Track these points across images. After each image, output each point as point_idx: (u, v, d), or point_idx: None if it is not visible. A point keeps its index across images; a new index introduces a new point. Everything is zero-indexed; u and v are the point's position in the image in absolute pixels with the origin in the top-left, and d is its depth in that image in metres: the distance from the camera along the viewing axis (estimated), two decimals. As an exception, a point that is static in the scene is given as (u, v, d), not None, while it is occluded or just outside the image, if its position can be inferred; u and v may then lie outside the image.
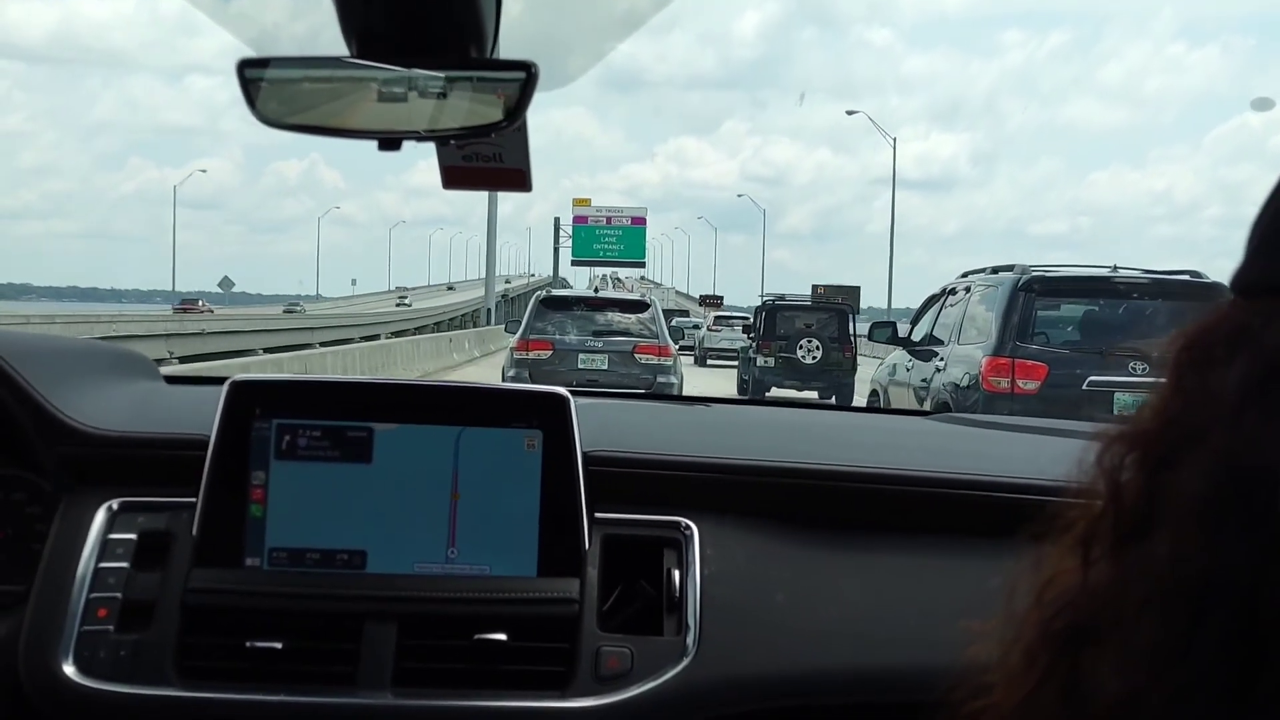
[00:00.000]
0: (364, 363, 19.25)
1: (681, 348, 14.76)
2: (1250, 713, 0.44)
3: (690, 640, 1.28)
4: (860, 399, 13.70)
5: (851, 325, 17.44)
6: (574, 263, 50.54)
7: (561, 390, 1.37)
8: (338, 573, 1.30)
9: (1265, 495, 0.45)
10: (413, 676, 1.25)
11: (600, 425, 1.44)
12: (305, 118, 1.08)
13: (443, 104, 1.05)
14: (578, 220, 47.53)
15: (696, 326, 33.72)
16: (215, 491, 1.31)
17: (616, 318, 12.90)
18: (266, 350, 26.53)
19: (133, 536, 1.32)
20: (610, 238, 46.98)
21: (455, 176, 1.28)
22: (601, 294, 14.52)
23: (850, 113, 40.55)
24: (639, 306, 13.25)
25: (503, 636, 1.26)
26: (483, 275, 40.20)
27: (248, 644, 1.24)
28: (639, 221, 47.85)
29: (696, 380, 18.63)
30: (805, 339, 16.84)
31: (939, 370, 8.11)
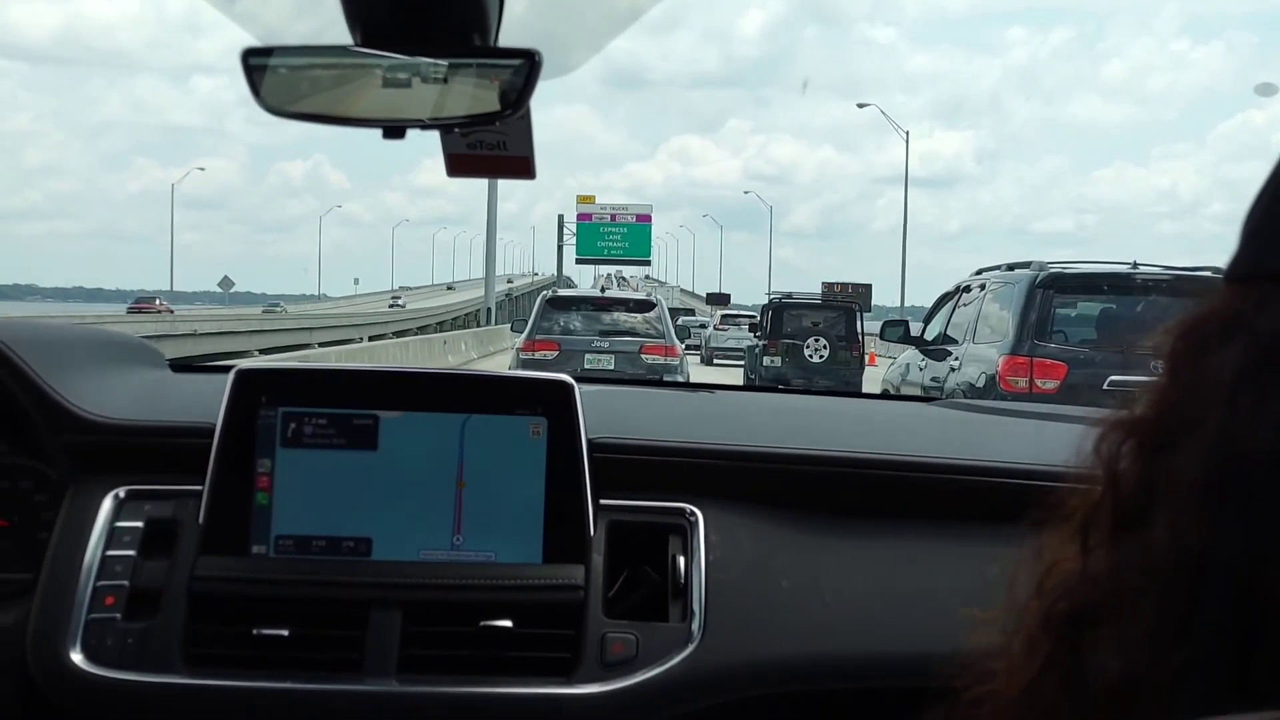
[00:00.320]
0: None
1: (688, 347, 14.77)
2: (1248, 692, 0.45)
3: (695, 626, 1.30)
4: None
5: (859, 324, 17.42)
6: (578, 261, 50.13)
7: (566, 377, 1.39)
8: (343, 560, 1.32)
9: (1261, 477, 0.46)
10: (418, 663, 1.27)
11: (605, 412, 1.46)
12: (309, 106, 1.09)
13: (446, 91, 1.06)
14: (582, 218, 47.03)
15: (703, 325, 33.61)
16: (221, 479, 1.33)
17: (623, 317, 12.92)
18: (262, 351, 26.51)
19: (139, 524, 1.33)
20: (615, 235, 46.56)
21: (460, 164, 1.30)
22: (608, 293, 14.54)
23: (862, 105, 40.06)
24: (645, 306, 13.28)
25: (508, 623, 1.28)
26: (494, 275, 39.90)
27: (254, 631, 1.26)
28: (644, 219, 47.42)
29: (703, 379, 18.61)
30: (812, 338, 16.82)
31: (953, 370, 8.01)
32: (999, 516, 0.89)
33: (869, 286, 40.61)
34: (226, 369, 1.40)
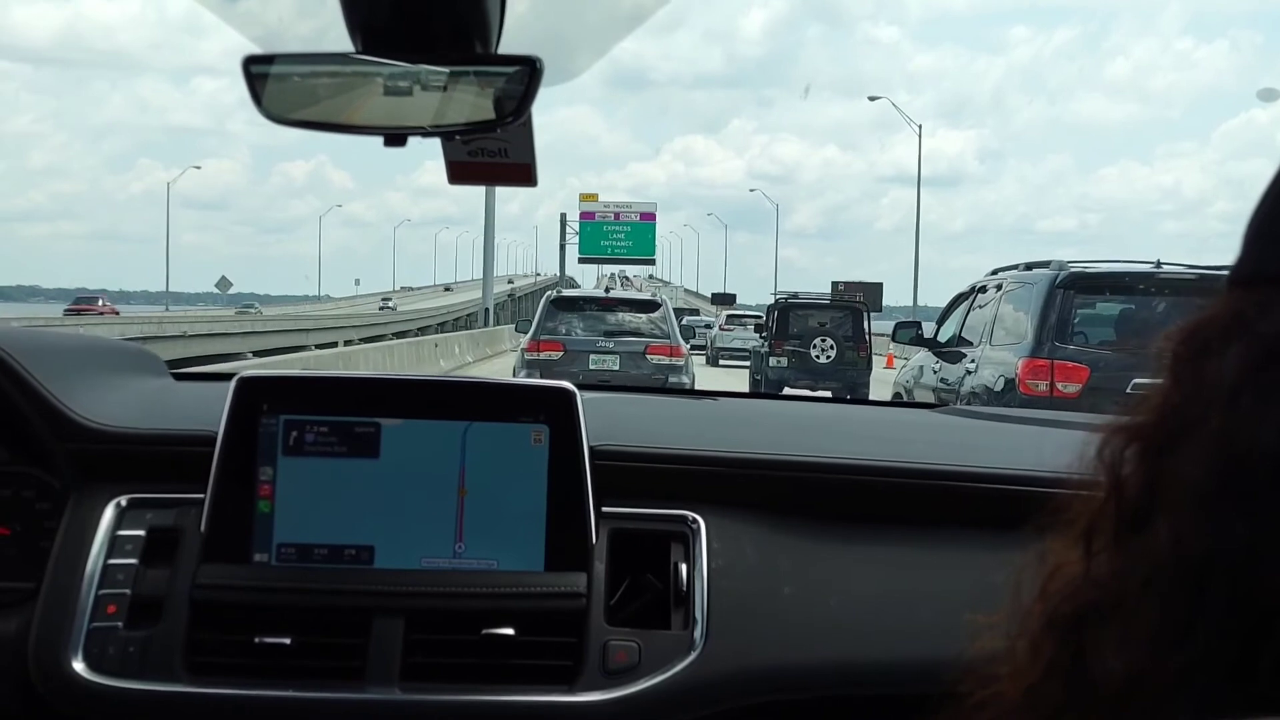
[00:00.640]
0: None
1: (693, 347, 14.79)
2: (1251, 691, 0.46)
3: (698, 634, 1.31)
4: (879, 403, 13.56)
5: (867, 324, 17.41)
6: (581, 260, 49.86)
7: (567, 385, 1.40)
8: (345, 568, 1.34)
9: (1262, 478, 0.47)
10: (420, 671, 1.28)
11: (606, 419, 1.47)
12: (311, 114, 1.10)
13: (448, 99, 1.07)
14: (585, 216, 46.64)
15: (708, 326, 33.55)
16: (223, 487, 1.34)
17: (628, 318, 12.97)
18: (256, 354, 26.33)
19: (141, 533, 1.35)
20: (619, 234, 46.24)
21: (461, 172, 1.31)
22: (613, 294, 14.58)
23: (873, 98, 39.29)
24: (650, 306, 13.32)
25: (510, 631, 1.29)
26: (491, 276, 39.50)
27: (256, 640, 1.27)
28: (648, 217, 47.07)
29: (709, 380, 18.61)
30: (819, 338, 16.81)
31: (969, 373, 7.81)
32: (1002, 522, 0.90)
33: (880, 285, 40.26)
34: (228, 377, 1.42)
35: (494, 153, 1.27)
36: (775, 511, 1.42)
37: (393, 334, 40.25)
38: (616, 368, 12.38)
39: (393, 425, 1.37)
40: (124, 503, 1.37)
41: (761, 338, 18.62)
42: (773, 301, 19.12)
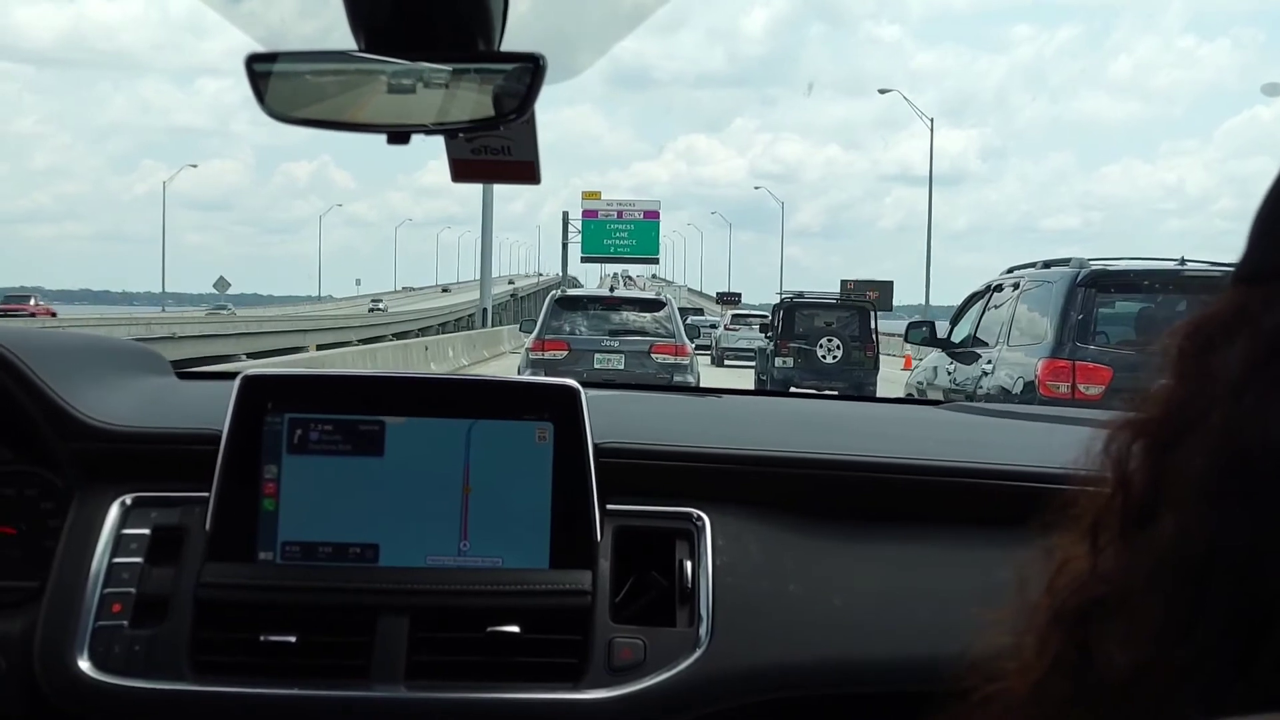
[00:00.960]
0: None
1: (698, 347, 14.80)
2: (1254, 684, 0.46)
3: (703, 631, 1.32)
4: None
5: (874, 323, 17.37)
6: (584, 259, 49.54)
7: (572, 382, 1.41)
8: (350, 566, 1.35)
9: (1266, 471, 0.47)
10: (426, 669, 1.29)
11: (611, 417, 1.49)
12: (313, 112, 1.12)
13: (451, 97, 1.09)
14: (587, 214, 46.30)
15: (713, 325, 33.47)
16: (228, 486, 1.36)
17: (632, 317, 13.00)
18: (250, 355, 26.14)
19: (146, 531, 1.36)
20: (622, 232, 45.90)
21: (464, 170, 1.33)
22: (617, 293, 14.62)
23: (883, 91, 38.81)
24: (655, 305, 13.37)
25: (515, 629, 1.30)
26: (489, 276, 39.00)
27: (261, 638, 1.29)
28: (652, 215, 46.73)
29: (714, 381, 18.59)
30: (825, 338, 16.78)
31: (986, 374, 7.64)
32: (1008, 519, 0.91)
33: (890, 284, 39.91)
34: (232, 375, 1.43)
35: (497, 150, 1.29)
36: (780, 509, 1.43)
37: (393, 335, 40.08)
38: (621, 367, 12.42)
39: (397, 423, 1.39)
40: (129, 501, 1.38)
41: (767, 338, 18.59)
42: (778, 300, 19.09)
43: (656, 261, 54.10)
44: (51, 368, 1.42)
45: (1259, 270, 0.54)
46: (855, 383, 16.24)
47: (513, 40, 1.11)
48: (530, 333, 13.23)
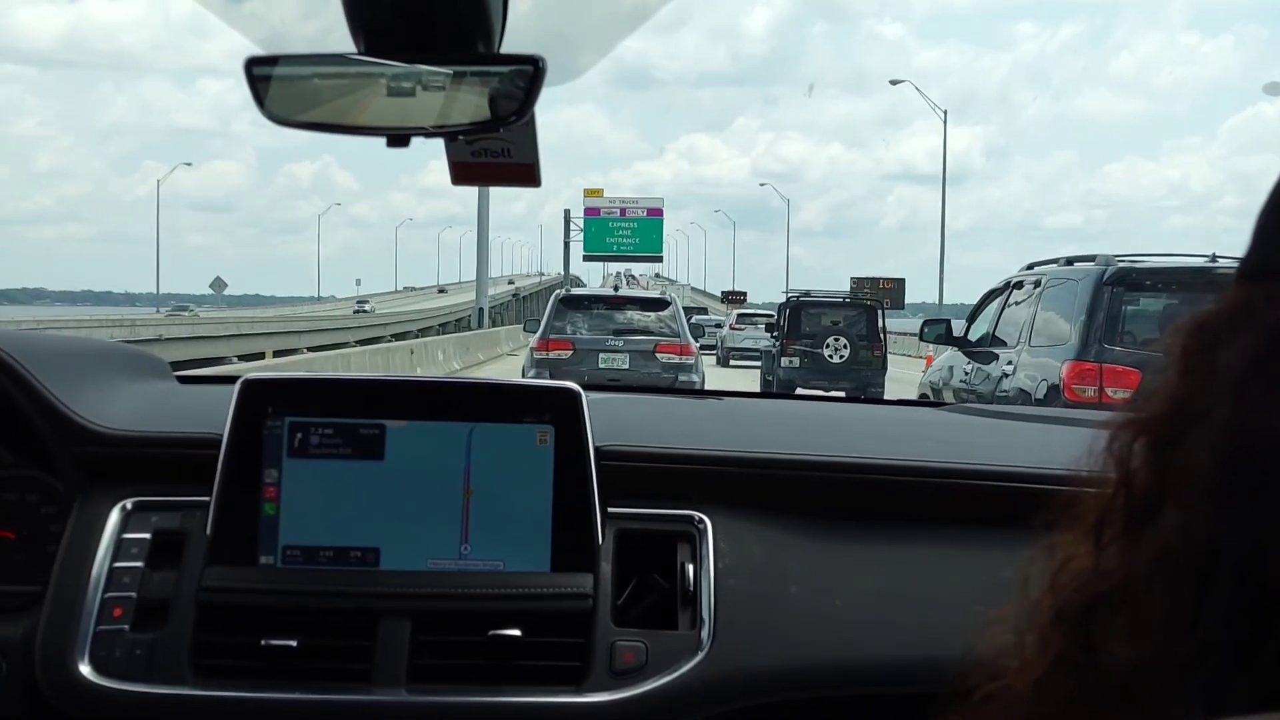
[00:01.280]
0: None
1: (703, 347, 14.81)
2: (1257, 680, 0.47)
3: (705, 634, 1.33)
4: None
5: (881, 322, 17.34)
6: (586, 258, 49.31)
7: (573, 385, 1.43)
8: (351, 570, 1.37)
9: (1268, 466, 0.48)
10: (427, 673, 1.30)
11: (612, 420, 1.50)
12: (314, 115, 1.13)
13: (450, 99, 1.10)
14: (589, 212, 45.91)
15: (718, 325, 33.39)
16: (228, 490, 1.38)
17: (637, 316, 13.05)
18: (241, 357, 26.03)
19: (147, 536, 1.38)
20: (625, 231, 45.54)
21: (464, 172, 1.34)
22: (621, 292, 14.66)
23: (895, 82, 38.28)
24: (659, 305, 13.41)
25: (517, 632, 1.31)
26: (490, 275, 38.30)
27: (263, 642, 1.30)
28: (655, 213, 46.35)
29: (719, 381, 18.57)
30: (832, 337, 16.75)
31: (1006, 375, 7.42)
32: (1008, 520, 0.92)
33: (902, 281, 39.67)
34: (232, 379, 1.45)
35: (497, 153, 1.30)
36: (782, 511, 1.44)
37: (391, 335, 39.94)
38: (626, 366, 12.45)
39: (398, 427, 1.40)
40: (129, 506, 1.40)
41: (772, 337, 18.56)
42: (784, 299, 19.05)
43: (660, 259, 53.95)
44: (52, 371, 1.44)
45: (1263, 267, 0.54)
46: (863, 383, 16.20)
47: (513, 42, 1.12)
48: (534, 332, 13.29)
